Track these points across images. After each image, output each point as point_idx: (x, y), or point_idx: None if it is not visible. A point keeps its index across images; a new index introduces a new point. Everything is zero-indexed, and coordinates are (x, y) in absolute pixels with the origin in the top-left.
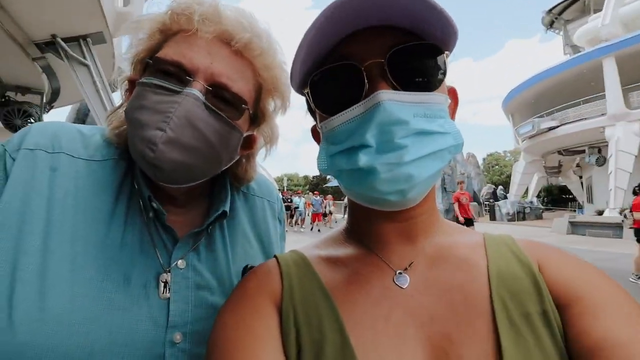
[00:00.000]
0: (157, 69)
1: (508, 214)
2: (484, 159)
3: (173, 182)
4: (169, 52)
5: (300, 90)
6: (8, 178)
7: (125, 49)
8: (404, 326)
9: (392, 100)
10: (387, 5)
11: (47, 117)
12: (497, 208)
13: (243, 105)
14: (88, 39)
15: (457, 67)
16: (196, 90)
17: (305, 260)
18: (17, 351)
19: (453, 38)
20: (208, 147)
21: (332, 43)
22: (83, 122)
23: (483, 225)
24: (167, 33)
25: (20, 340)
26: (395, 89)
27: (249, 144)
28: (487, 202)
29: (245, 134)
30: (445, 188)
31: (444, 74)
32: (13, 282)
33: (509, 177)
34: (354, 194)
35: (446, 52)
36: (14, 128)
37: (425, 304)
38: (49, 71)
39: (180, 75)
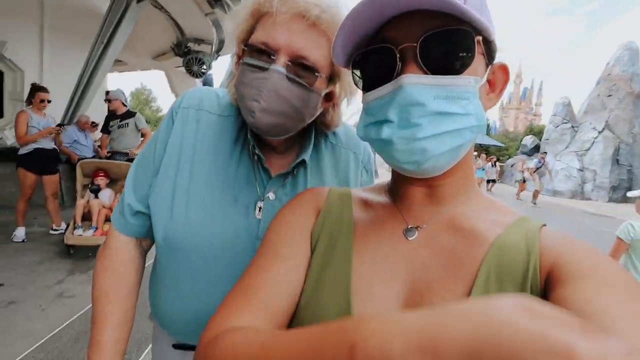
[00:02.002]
0: (251, 50)
1: None
2: None
3: (271, 136)
4: (258, 36)
5: (345, 66)
6: (174, 126)
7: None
8: (398, 266)
9: (414, 84)
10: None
11: (215, 63)
12: None
13: (316, 73)
14: None
15: None
16: (279, 66)
17: (349, 196)
18: (174, 231)
19: (485, 24)
20: (292, 109)
21: (373, 28)
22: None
23: None
24: (257, 15)
25: (175, 226)
26: (424, 71)
27: (330, 97)
28: None
29: (325, 91)
30: (618, 160)
31: (472, 57)
32: (173, 195)
33: None
34: (384, 159)
35: (478, 37)
36: (192, 73)
37: (422, 255)
38: (217, 24)
39: (267, 52)
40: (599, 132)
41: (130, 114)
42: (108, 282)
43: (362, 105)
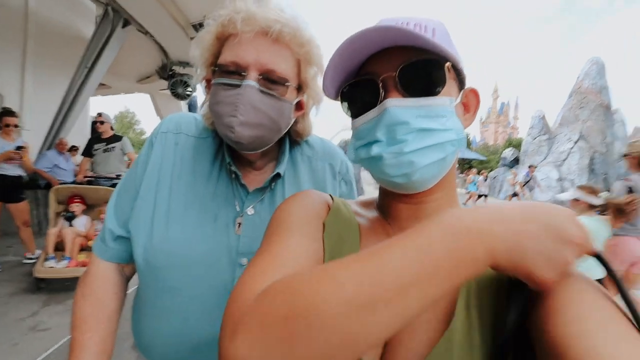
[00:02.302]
0: (222, 70)
1: None
2: None
3: (251, 150)
4: (226, 56)
5: (334, 98)
6: (153, 149)
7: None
8: None
9: (397, 106)
10: (383, 38)
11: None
12: None
13: (287, 83)
14: None
15: None
16: (251, 80)
17: (347, 203)
18: (153, 249)
19: (452, 54)
20: (269, 120)
21: (356, 65)
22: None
23: None
24: (222, 38)
25: (155, 244)
26: (404, 95)
27: (300, 107)
28: None
29: (295, 101)
30: (593, 169)
31: (444, 81)
32: (152, 217)
33: None
34: (375, 178)
35: (447, 64)
36: (177, 96)
37: None
38: None
39: (238, 71)
40: (574, 143)
41: (116, 138)
42: (88, 309)
43: (351, 130)
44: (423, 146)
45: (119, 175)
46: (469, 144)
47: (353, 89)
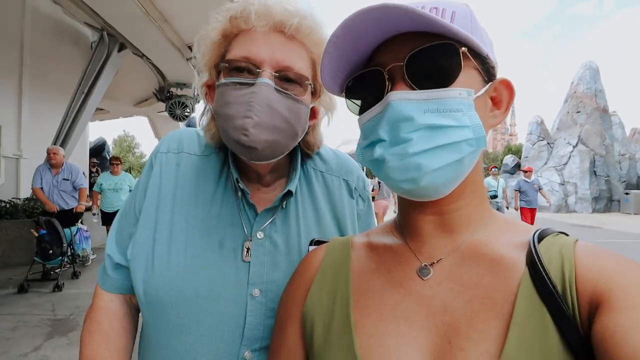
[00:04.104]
0: (231, 68)
1: None
2: None
3: (264, 159)
4: (236, 52)
5: (337, 93)
6: (152, 172)
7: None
8: (413, 312)
9: (401, 100)
10: (385, 20)
11: (198, 106)
12: None
13: (306, 82)
14: None
15: None
16: (266, 78)
17: (348, 245)
18: (155, 283)
19: (471, 38)
20: (285, 123)
21: (362, 56)
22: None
23: None
24: (230, 36)
25: (156, 278)
26: (411, 88)
27: (312, 114)
28: None
29: (311, 106)
30: (595, 172)
31: (458, 69)
32: (153, 245)
33: None
34: (382, 181)
35: (463, 49)
36: (175, 117)
37: (441, 296)
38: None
39: (250, 68)
40: (574, 147)
41: None
42: (95, 347)
43: (360, 129)
44: (432, 146)
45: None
46: None
47: (358, 82)
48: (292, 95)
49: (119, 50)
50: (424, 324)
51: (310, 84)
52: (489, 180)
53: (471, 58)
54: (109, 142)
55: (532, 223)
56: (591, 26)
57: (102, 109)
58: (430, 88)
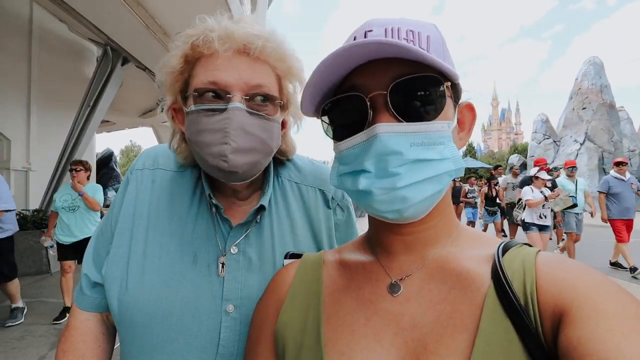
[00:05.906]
0: (200, 95)
1: None
2: None
3: (244, 180)
4: (202, 78)
5: (314, 115)
6: (127, 189)
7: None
8: (383, 329)
9: (389, 132)
10: (367, 55)
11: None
12: None
13: (276, 101)
14: None
15: None
16: (237, 102)
17: (319, 262)
18: (129, 302)
19: (449, 68)
20: (261, 143)
21: (340, 77)
22: None
23: None
24: (192, 61)
25: (130, 296)
26: (396, 118)
27: (282, 125)
28: None
29: (280, 119)
30: (604, 169)
31: (443, 103)
32: (127, 262)
33: None
34: (363, 209)
35: (447, 83)
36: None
37: (410, 312)
38: None
39: (219, 93)
40: (581, 144)
41: None
42: None
43: (335, 153)
44: (418, 180)
45: None
46: (473, 153)
47: (336, 106)
48: (264, 115)
49: (123, 64)
50: (393, 340)
51: (280, 102)
52: (563, 181)
53: (449, 89)
54: (117, 153)
55: (627, 240)
56: (594, 21)
57: (108, 121)
58: (416, 120)
